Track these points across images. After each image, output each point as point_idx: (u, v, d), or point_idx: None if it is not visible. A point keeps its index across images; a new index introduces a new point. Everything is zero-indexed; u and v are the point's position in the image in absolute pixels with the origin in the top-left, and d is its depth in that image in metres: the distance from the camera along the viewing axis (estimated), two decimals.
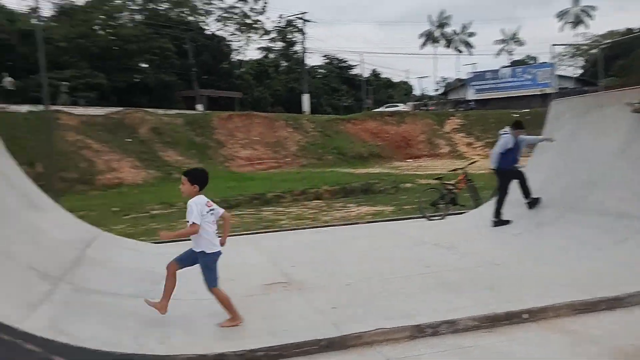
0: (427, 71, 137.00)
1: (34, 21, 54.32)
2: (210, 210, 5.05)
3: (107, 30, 53.67)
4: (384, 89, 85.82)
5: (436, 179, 12.86)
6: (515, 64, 67.25)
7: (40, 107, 31.30)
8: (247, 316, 5.30)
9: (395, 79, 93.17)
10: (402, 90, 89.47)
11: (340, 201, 18.80)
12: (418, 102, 62.91)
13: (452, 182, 12.18)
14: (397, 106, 56.46)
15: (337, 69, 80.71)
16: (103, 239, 8.50)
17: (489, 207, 10.05)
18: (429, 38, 69.49)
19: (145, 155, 29.83)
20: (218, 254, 5.18)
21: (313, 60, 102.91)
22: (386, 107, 55.54)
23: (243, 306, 5.62)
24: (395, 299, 5.52)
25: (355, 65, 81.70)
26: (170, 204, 19.69)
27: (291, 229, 11.77)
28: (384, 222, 11.60)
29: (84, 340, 4.25)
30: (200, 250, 5.12)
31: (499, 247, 7.79)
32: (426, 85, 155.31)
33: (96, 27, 53.34)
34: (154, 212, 18.07)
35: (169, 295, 5.12)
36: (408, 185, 21.50)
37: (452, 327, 4.76)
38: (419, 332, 4.61)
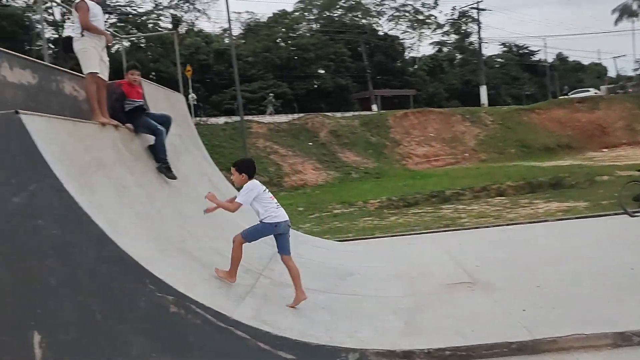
0: (624, 49, 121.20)
1: (226, 41, 60.59)
2: (265, 189, 5.59)
3: (288, 42, 57.50)
4: (571, 73, 78.44)
5: (639, 170, 11.43)
6: None
7: (235, 118, 34.84)
8: (431, 314, 5.33)
9: (585, 61, 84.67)
10: (594, 73, 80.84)
11: (525, 197, 17.70)
12: (614, 85, 56.12)
13: None
14: (588, 91, 50.83)
15: (516, 57, 75.90)
16: (293, 237, 9.15)
17: None
18: (625, 12, 61.51)
19: (326, 157, 31.31)
20: (275, 224, 5.61)
21: (490, 49, 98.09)
22: (572, 94, 50.43)
23: (427, 304, 5.66)
24: (594, 303, 5.08)
25: (537, 51, 76.12)
26: (350, 203, 20.41)
27: (473, 228, 11.41)
28: (577, 219, 10.65)
29: (284, 330, 4.67)
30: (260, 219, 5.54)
31: None
32: (623, 65, 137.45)
33: (278, 40, 57.47)
34: (336, 211, 18.87)
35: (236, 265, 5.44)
36: (605, 177, 19.40)
37: None
38: (623, 340, 4.19)
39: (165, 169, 6.82)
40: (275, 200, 5.66)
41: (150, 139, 6.94)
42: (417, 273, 7.03)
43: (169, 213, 6.12)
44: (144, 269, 4.52)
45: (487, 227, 11.30)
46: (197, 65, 47.42)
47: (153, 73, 44.24)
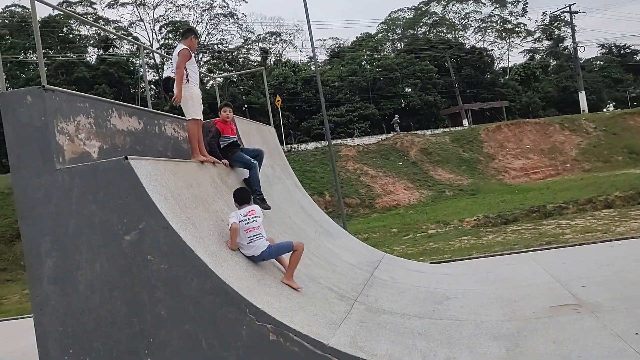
0: None
1: (313, 68, 62.15)
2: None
3: (373, 64, 57.93)
4: None
5: None
6: None
7: (324, 143, 35.47)
8: (535, 340, 5.11)
9: None
10: None
11: (637, 208, 16.42)
12: None
13: None
14: None
15: (617, 57, 71.16)
16: (387, 261, 9.17)
17: None
18: None
19: (417, 176, 30.95)
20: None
21: (587, 52, 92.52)
22: None
23: (530, 328, 5.44)
24: None
25: None
26: (445, 223, 20.00)
27: (578, 244, 10.77)
28: None
29: (381, 357, 4.70)
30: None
31: None
32: None
33: (363, 63, 58.07)
34: (431, 231, 18.58)
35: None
36: None
37: None
38: None
39: (259, 200, 7.13)
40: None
41: (245, 173, 7.31)
42: (517, 295, 6.77)
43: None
44: (244, 298, 4.75)
45: (594, 242, 10.62)
46: (286, 94, 49.04)
47: (245, 106, 46.25)
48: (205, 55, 53.24)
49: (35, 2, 5.39)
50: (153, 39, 51.09)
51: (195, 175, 6.07)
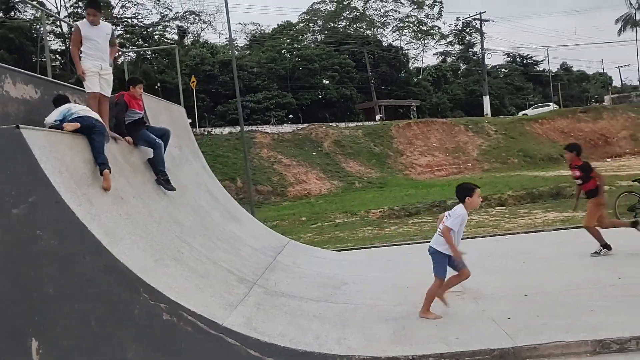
0: (629, 59, 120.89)
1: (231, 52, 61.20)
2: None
3: (293, 53, 57.98)
4: (576, 83, 78.52)
5: (635, 180, 11.52)
6: None
7: (239, 128, 35.13)
8: (420, 323, 5.45)
9: (590, 71, 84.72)
10: (599, 83, 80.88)
11: (525, 207, 17.79)
12: (618, 95, 56.15)
13: None
14: (548, 105, 51.35)
15: (520, 67, 76.21)
16: (292, 247, 9.33)
17: None
18: (628, 22, 61.63)
19: (329, 167, 31.50)
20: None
21: (494, 60, 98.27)
22: (533, 109, 50.86)
23: (417, 312, 5.79)
24: (579, 312, 5.19)
25: (541, 61, 76.39)
26: (352, 213, 20.55)
27: (470, 237, 11.50)
28: (573, 229, 10.72)
29: (274, 337, 4.81)
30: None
31: None
32: (628, 75, 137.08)
33: (283, 51, 57.97)
34: (338, 220, 19.02)
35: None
36: (605, 187, 19.38)
37: None
38: (603, 347, 4.31)
39: (164, 181, 7.00)
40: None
41: (150, 152, 7.14)
42: (411, 282, 7.14)
43: (166, 223, 6.28)
44: (138, 277, 4.68)
45: (484, 236, 11.40)
46: (203, 76, 47.88)
47: (158, 84, 44.63)
48: (118, 28, 50.71)
49: None
50: (60, 6, 47.89)
51: None
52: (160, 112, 8.64)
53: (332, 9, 67.39)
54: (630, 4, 61.55)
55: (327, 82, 57.78)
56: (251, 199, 13.58)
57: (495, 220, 14.69)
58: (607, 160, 35.68)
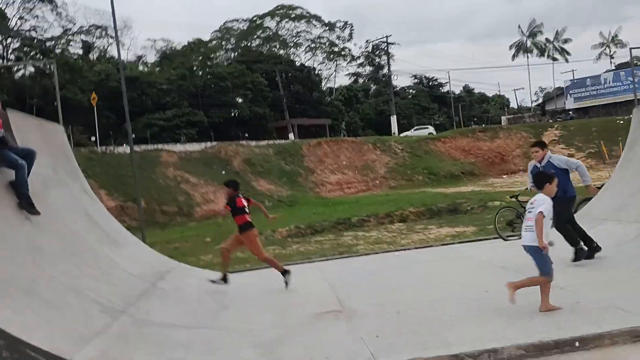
0: (523, 83, 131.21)
1: (140, 68, 59.30)
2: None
3: (205, 70, 57.23)
4: (477, 105, 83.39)
5: (512, 197, 12.27)
6: (620, 67, 62.31)
7: (143, 147, 33.98)
8: (290, 346, 5.39)
9: (490, 93, 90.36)
10: (498, 104, 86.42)
11: (423, 223, 18.44)
12: (514, 115, 60.24)
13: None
14: (427, 128, 55.08)
15: (426, 88, 79.87)
16: (178, 271, 9.02)
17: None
18: (520, 48, 66.65)
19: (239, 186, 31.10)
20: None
21: (402, 81, 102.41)
22: (414, 130, 54.26)
23: (290, 335, 5.74)
24: (441, 327, 5.34)
25: (445, 83, 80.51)
26: (259, 232, 20.29)
27: (363, 254, 11.72)
28: (458, 244, 11.22)
29: None
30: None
31: (570, 269, 7.25)
32: (524, 97, 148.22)
33: (194, 68, 57.07)
34: None
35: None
36: (496, 203, 20.59)
37: (495, 356, 4.54)
38: None
39: (27, 205, 6.50)
40: None
41: (12, 174, 6.62)
42: (291, 303, 7.11)
43: (22, 251, 5.81)
44: None
45: (376, 253, 11.64)
46: (108, 92, 45.96)
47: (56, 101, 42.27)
48: (15, 41, 47.76)
49: None
50: None
51: None
52: (29, 130, 8.07)
53: (245, 28, 67.44)
54: (522, 32, 66.63)
55: (240, 100, 57.49)
56: (141, 220, 13.06)
57: (393, 237, 15.09)
58: (504, 176, 37.98)
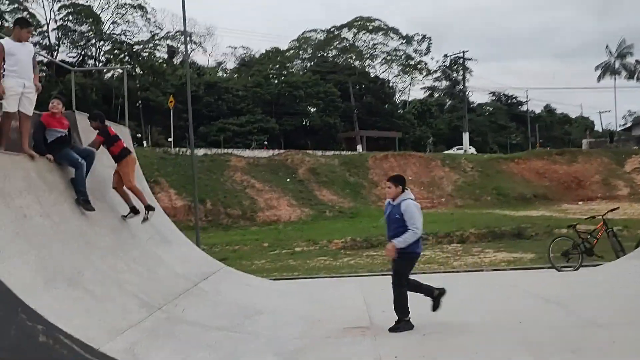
0: (608, 104, 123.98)
1: (219, 74, 61.48)
2: None
3: (280, 79, 58.58)
4: (558, 125, 79.86)
5: (570, 226, 11.71)
6: None
7: (214, 150, 35.25)
8: (307, 357, 5.48)
9: (573, 114, 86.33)
10: (582, 127, 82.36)
11: (482, 246, 17.93)
12: (596, 140, 57.16)
13: (588, 230, 11.00)
14: (470, 148, 52.84)
15: (505, 106, 77.51)
16: (222, 274, 9.33)
17: (630, 259, 8.93)
18: (607, 70, 63.21)
19: (302, 194, 31.58)
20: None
21: (480, 97, 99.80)
22: (456, 150, 52.11)
23: (312, 346, 5.84)
24: (463, 354, 5.26)
25: (526, 101, 77.80)
26: (315, 242, 20.56)
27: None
28: (510, 270, 10.87)
29: None
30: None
31: (617, 305, 6.87)
32: (611, 120, 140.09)
33: (270, 76, 58.54)
34: (297, 249, 19.03)
35: None
36: (563, 230, 19.66)
37: None
38: None
39: (83, 201, 7.02)
40: None
41: (73, 172, 7.17)
42: (323, 315, 7.18)
43: (74, 243, 6.29)
44: (16, 297, 4.67)
45: (424, 272, 11.47)
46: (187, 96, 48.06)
47: (140, 102, 44.71)
48: (107, 44, 51.07)
49: None
50: (50, 18, 48.24)
51: (3, 168, 5.88)
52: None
53: (322, 38, 68.44)
54: (610, 52, 63.25)
55: (313, 109, 58.34)
56: (196, 223, 13.61)
57: (446, 258, 14.80)
58: (579, 202, 36.11)
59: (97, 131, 7.89)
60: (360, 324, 6.70)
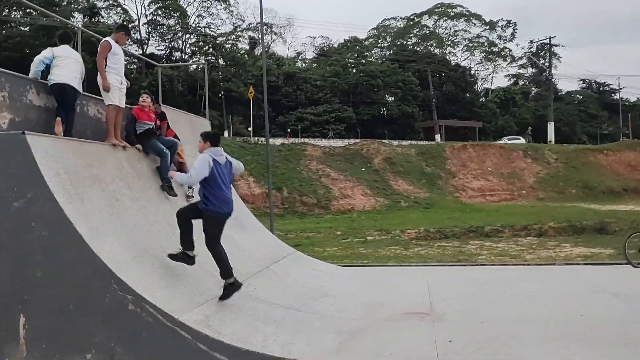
0: None
1: (298, 64, 62.47)
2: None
3: (358, 68, 58.69)
4: None
5: None
6: None
7: (291, 140, 36.12)
8: (369, 337, 5.83)
9: None
10: None
11: (560, 240, 17.39)
12: None
13: None
14: (518, 139, 48.33)
15: (596, 94, 73.18)
16: (293, 258, 9.84)
17: None
18: None
19: (377, 184, 31.75)
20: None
21: (569, 85, 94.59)
22: (508, 140, 47.64)
23: (373, 328, 6.17)
24: (518, 343, 5.39)
25: (619, 89, 73.03)
26: (387, 231, 20.76)
27: (479, 265, 11.60)
28: (584, 265, 10.60)
29: (224, 335, 5.36)
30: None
31: None
32: None
33: (348, 66, 58.80)
34: (370, 237, 19.32)
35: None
36: None
37: None
38: None
39: (167, 187, 7.74)
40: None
41: (159, 160, 7.91)
42: (386, 300, 7.49)
43: (159, 225, 6.99)
44: (110, 270, 5.36)
45: (493, 264, 11.44)
46: (267, 87, 49.38)
47: (222, 93, 46.41)
48: (192, 37, 53.40)
49: None
50: (141, 13, 51.14)
51: (99, 156, 6.65)
52: (179, 123, 9.44)
53: (402, 26, 67.72)
54: None
55: (391, 98, 58.03)
56: (270, 210, 14.21)
57: (519, 251, 14.56)
58: None
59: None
60: (420, 310, 6.95)
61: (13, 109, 6.33)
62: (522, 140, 47.26)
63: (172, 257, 6.18)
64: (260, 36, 62.03)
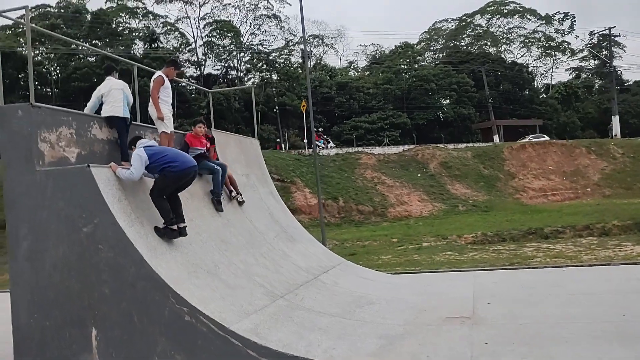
0: None
1: (350, 73, 62.95)
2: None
3: (410, 73, 58.49)
4: None
5: None
6: None
7: (345, 149, 36.55)
8: (409, 341, 6.12)
9: None
10: None
11: (622, 239, 16.83)
12: None
13: None
14: (543, 137, 45.13)
15: None
16: (342, 267, 10.23)
17: None
18: None
19: (433, 189, 31.62)
20: None
21: (635, 75, 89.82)
22: (533, 138, 44.52)
23: (414, 332, 6.47)
24: (555, 343, 5.53)
25: None
26: (443, 237, 20.74)
27: (530, 267, 11.54)
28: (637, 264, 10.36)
29: (271, 342, 5.81)
30: None
31: None
32: None
33: (400, 72, 58.71)
34: (425, 244, 19.39)
35: None
36: None
37: None
38: None
39: (216, 202, 8.36)
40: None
41: (210, 186, 8.54)
42: (430, 306, 7.73)
43: (212, 242, 7.57)
44: (167, 285, 5.95)
45: (545, 267, 11.35)
46: (320, 98, 50.27)
47: (276, 108, 47.54)
48: (246, 55, 55.05)
49: None
50: (197, 36, 53.29)
51: None
52: (229, 144, 10.07)
53: (454, 27, 66.97)
54: None
55: (446, 101, 57.40)
56: (321, 220, 14.63)
57: (577, 252, 14.27)
58: None
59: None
60: (462, 314, 7.15)
61: (79, 143, 7.10)
62: (546, 138, 45.42)
63: (156, 231, 6.62)
64: (315, 49, 63.12)
